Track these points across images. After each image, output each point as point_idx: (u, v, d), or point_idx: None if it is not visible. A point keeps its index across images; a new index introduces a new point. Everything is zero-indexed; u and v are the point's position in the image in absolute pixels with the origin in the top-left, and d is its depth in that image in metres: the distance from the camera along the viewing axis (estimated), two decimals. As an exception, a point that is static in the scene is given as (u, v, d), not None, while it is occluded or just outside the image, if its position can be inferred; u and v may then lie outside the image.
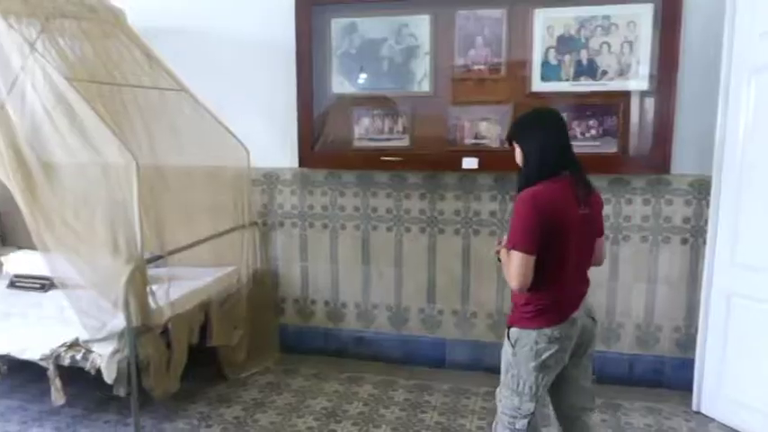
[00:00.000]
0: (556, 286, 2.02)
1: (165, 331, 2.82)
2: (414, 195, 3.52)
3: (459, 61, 3.25)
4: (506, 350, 2.10)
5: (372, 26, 3.33)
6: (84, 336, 2.63)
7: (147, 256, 2.65)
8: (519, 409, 2.07)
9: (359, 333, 3.76)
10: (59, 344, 2.64)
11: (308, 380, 3.48)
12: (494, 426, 2.21)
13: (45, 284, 3.21)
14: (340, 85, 3.44)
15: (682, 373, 3.25)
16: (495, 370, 3.44)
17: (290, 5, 3.39)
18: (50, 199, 2.55)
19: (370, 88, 3.42)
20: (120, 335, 2.58)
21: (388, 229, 3.59)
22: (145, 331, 2.66)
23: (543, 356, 2.00)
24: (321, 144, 3.54)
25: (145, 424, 2.92)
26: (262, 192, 3.75)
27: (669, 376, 3.34)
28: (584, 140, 3.17)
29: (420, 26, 3.27)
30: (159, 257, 2.79)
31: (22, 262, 3.40)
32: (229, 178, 3.52)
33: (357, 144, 3.47)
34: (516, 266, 1.95)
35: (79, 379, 2.73)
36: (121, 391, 2.61)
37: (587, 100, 3.16)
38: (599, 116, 3.16)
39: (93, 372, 2.61)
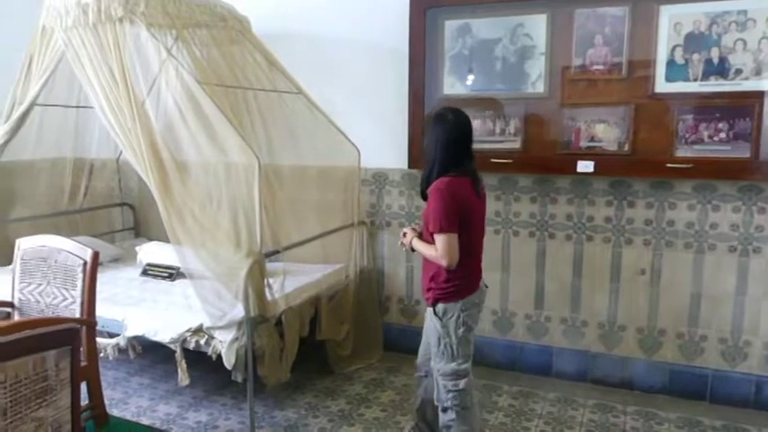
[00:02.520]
0: (469, 262, 2.37)
1: (278, 323, 2.95)
2: (524, 198, 3.46)
3: (577, 61, 3.15)
4: (434, 325, 2.39)
5: (486, 27, 3.30)
6: (207, 323, 2.81)
7: (264, 250, 2.79)
8: (458, 371, 2.38)
9: (462, 335, 3.74)
10: (185, 329, 2.84)
11: (411, 379, 3.50)
12: (435, 396, 2.46)
13: (172, 273, 3.47)
14: (451, 86, 3.44)
15: (820, 400, 2.97)
16: (603, 382, 3.40)
17: (403, 9, 3.43)
18: (182, 195, 2.74)
19: (482, 89, 3.39)
20: (240, 324, 2.73)
21: (496, 232, 3.55)
22: (261, 322, 2.80)
23: (468, 321, 2.37)
24: (430, 145, 3.55)
25: (257, 410, 3.08)
26: (370, 192, 3.83)
27: (804, 403, 3.06)
28: (712, 144, 2.97)
29: (536, 26, 3.20)
30: (276, 252, 2.92)
31: (153, 252, 3.70)
32: (340, 178, 3.63)
33: (467, 146, 3.45)
34: (446, 245, 2.26)
35: (201, 363, 2.92)
36: (239, 377, 2.76)
37: (716, 101, 2.95)
38: (729, 118, 2.94)
39: (214, 357, 2.78)
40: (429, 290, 2.41)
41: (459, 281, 2.35)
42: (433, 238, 2.32)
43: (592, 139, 3.18)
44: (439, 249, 2.28)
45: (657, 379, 3.32)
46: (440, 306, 2.37)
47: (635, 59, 3.06)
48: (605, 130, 3.15)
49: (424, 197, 2.40)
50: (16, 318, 2.67)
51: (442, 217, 2.25)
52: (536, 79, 3.26)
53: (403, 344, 3.86)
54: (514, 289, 3.57)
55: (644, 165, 3.09)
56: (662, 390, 3.31)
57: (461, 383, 2.39)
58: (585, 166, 3.15)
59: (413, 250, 2.49)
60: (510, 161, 3.34)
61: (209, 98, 2.73)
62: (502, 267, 3.57)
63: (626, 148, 3.12)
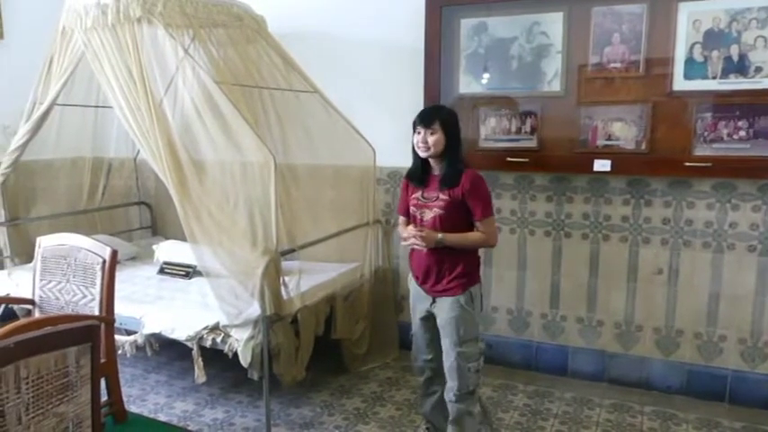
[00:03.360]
0: None
1: (294, 321, 2.96)
2: (540, 197, 3.44)
3: (594, 59, 3.12)
4: (465, 313, 2.42)
5: (502, 25, 3.29)
6: (223, 321, 2.83)
7: (280, 249, 2.80)
8: (482, 348, 2.51)
9: (477, 335, 3.73)
10: (202, 327, 2.85)
11: (426, 378, 3.51)
12: (458, 385, 2.46)
13: (189, 272, 3.49)
14: (467, 85, 3.43)
15: (842, 402, 2.92)
16: (620, 382, 3.37)
17: (419, 7, 3.43)
18: (199, 194, 2.76)
19: (498, 88, 3.37)
20: (256, 322, 2.74)
21: (512, 232, 3.53)
22: (277, 320, 2.81)
23: (483, 297, 2.57)
24: (445, 144, 3.54)
25: (273, 407, 3.10)
26: (385, 191, 3.83)
27: (826, 405, 3.01)
28: (732, 142, 2.93)
29: (553, 24, 3.18)
30: (292, 251, 2.93)
31: (170, 250, 3.73)
32: (356, 177, 3.64)
33: (483, 144, 3.44)
34: (495, 227, 2.48)
35: (217, 360, 2.95)
36: (255, 375, 2.78)
37: (736, 99, 2.91)
38: (750, 116, 2.90)
39: (230, 355, 2.79)
40: (453, 279, 2.44)
41: (479, 261, 2.53)
42: (465, 226, 2.42)
43: (609, 138, 3.15)
44: (491, 232, 2.43)
45: (675, 379, 3.29)
46: (471, 291, 2.45)
47: (653, 57, 3.02)
48: (622, 128, 3.12)
49: (448, 183, 2.41)
50: (37, 315, 2.71)
51: (490, 201, 2.44)
52: (552, 78, 3.23)
53: (418, 343, 3.85)
54: (530, 288, 3.55)
55: (662, 163, 3.06)
56: (680, 390, 3.28)
57: (482, 361, 2.51)
58: (602, 165, 3.13)
59: (433, 247, 2.41)
60: (526, 160, 3.32)
61: (226, 97, 2.75)
62: (518, 266, 3.55)
63: (643, 146, 3.09)
